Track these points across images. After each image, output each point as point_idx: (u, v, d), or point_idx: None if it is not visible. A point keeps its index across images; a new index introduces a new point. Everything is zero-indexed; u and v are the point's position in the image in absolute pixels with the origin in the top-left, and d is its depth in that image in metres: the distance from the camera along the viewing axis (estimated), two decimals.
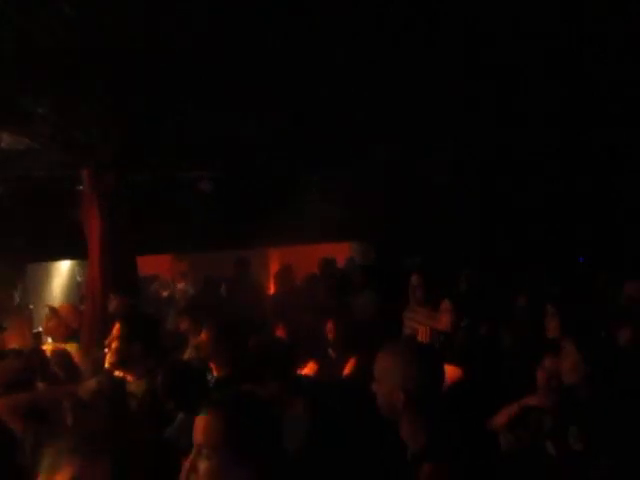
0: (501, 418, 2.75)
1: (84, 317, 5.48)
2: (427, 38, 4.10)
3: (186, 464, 1.50)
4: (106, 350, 3.86)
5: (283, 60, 4.26)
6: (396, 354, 1.91)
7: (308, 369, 3.53)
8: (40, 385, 3.29)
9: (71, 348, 4.53)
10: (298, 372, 3.42)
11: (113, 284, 5.41)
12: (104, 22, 3.73)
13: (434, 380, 1.88)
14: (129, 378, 3.14)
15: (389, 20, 3.88)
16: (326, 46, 4.11)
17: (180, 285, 8.79)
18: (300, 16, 3.73)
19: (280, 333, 3.90)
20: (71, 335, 4.77)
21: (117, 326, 3.18)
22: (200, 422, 1.52)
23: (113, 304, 5.09)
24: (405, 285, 5.88)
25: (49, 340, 5.14)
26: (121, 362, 3.11)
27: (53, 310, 5.00)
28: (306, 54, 4.19)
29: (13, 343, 4.52)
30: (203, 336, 3.36)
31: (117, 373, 3.15)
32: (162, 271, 9.58)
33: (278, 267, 8.44)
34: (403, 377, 1.83)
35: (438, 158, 6.73)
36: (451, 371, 2.80)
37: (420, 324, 3.86)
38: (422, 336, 3.27)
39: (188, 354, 4.02)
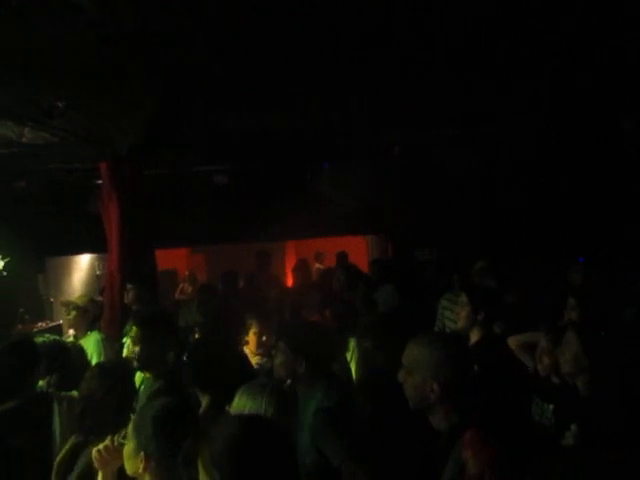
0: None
1: (104, 309, 5.56)
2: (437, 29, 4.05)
3: None
4: (123, 341, 3.95)
5: (297, 53, 4.26)
6: (429, 345, 1.90)
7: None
8: None
9: (93, 337, 4.60)
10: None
11: (131, 277, 5.48)
12: (121, 17, 3.75)
13: (467, 370, 1.88)
14: (149, 375, 3.25)
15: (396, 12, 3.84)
16: (337, 37, 4.09)
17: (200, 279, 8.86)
18: (312, 11, 3.71)
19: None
20: (92, 326, 4.82)
21: (135, 330, 3.31)
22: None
23: (130, 295, 5.17)
24: (422, 277, 5.87)
25: (70, 332, 5.21)
26: (142, 364, 3.22)
27: (70, 303, 5.05)
28: (319, 46, 4.18)
29: None
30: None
31: None
32: (179, 266, 9.66)
33: (295, 260, 8.47)
34: (436, 368, 1.83)
35: (454, 151, 6.68)
36: None
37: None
38: None
39: None
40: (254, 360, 3.75)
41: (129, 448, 2.01)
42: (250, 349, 3.80)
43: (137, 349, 3.21)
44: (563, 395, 2.67)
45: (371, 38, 3.94)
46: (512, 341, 3.30)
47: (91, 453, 2.24)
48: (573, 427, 2.31)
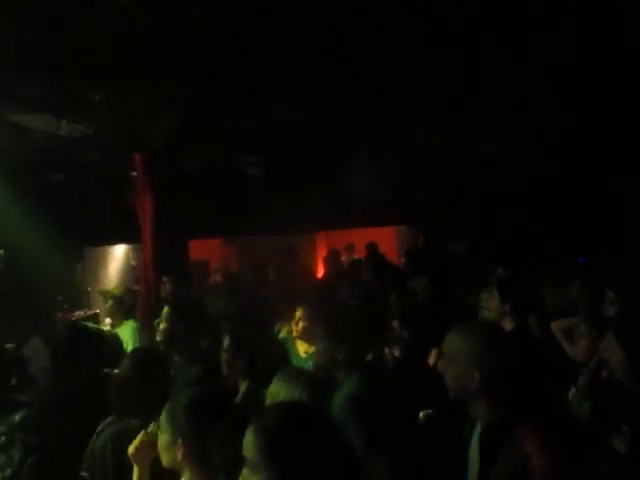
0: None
1: (138, 299, 5.68)
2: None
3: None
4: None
5: (329, 45, 4.25)
6: (468, 334, 1.90)
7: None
8: None
9: (129, 325, 4.71)
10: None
11: (165, 267, 5.59)
12: (155, 10, 3.80)
13: (507, 358, 1.87)
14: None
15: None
16: (371, 29, 4.06)
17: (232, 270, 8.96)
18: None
19: None
20: (128, 315, 4.94)
21: (165, 309, 3.44)
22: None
23: (166, 287, 5.27)
24: (454, 269, 5.83)
25: (107, 321, 5.34)
26: (168, 341, 3.30)
27: (107, 292, 5.19)
28: (353, 36, 4.16)
29: None
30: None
31: None
32: (211, 257, 9.77)
33: (325, 251, 8.50)
34: (477, 357, 1.83)
35: (484, 141, 6.60)
36: None
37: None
38: None
39: None
40: (303, 348, 3.79)
41: (164, 439, 2.03)
42: (298, 337, 3.83)
43: (166, 329, 3.31)
44: (603, 390, 2.64)
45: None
46: (554, 325, 3.30)
47: (110, 433, 2.30)
48: (625, 429, 2.27)
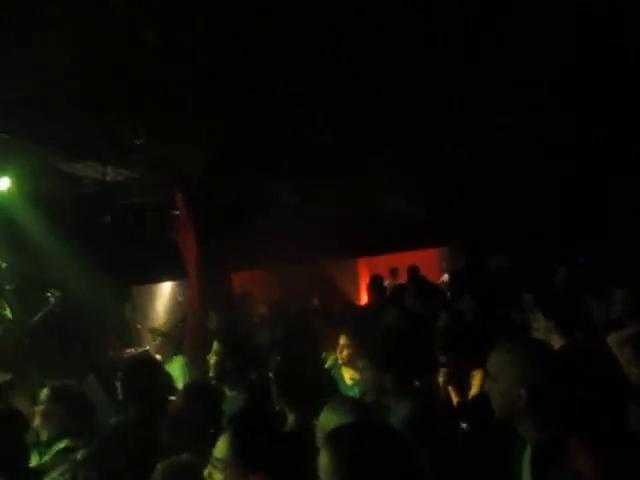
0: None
1: (186, 334, 5.80)
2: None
3: None
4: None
5: (361, 72, 4.32)
6: (512, 351, 1.87)
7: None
8: None
9: (178, 361, 4.79)
10: None
11: (211, 302, 5.71)
12: (189, 56, 3.96)
13: (554, 373, 1.83)
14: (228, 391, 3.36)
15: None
16: (403, 52, 4.12)
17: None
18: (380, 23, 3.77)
19: None
20: (176, 350, 5.03)
21: (215, 343, 3.45)
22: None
23: (214, 321, 5.39)
24: (498, 287, 5.75)
25: (157, 357, 5.45)
26: (219, 375, 3.34)
27: (155, 330, 5.30)
28: (384, 60, 4.23)
29: None
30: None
31: None
32: (255, 286, 9.86)
33: (367, 274, 8.48)
34: (522, 373, 1.80)
35: (519, 158, 6.55)
36: None
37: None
38: None
39: None
40: (348, 374, 3.81)
41: (229, 473, 1.95)
42: (343, 364, 3.85)
43: (217, 363, 3.37)
44: None
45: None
46: (611, 339, 3.19)
47: (162, 468, 2.32)
48: None
